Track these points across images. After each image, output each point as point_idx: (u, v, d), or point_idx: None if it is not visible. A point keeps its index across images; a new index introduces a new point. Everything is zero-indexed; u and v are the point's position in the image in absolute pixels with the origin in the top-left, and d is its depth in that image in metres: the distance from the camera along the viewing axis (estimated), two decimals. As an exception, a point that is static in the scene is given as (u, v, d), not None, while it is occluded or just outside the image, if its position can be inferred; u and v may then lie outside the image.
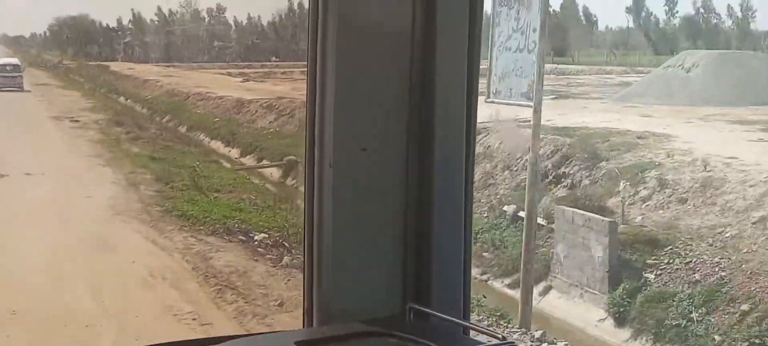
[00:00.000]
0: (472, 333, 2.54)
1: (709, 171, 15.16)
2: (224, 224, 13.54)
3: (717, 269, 12.98)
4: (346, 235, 2.56)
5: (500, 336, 2.28)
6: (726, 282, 12.68)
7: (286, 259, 11.44)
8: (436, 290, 2.58)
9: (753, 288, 12.40)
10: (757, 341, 11.48)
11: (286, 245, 12.86)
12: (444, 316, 2.48)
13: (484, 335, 2.43)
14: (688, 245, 13.69)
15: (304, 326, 2.63)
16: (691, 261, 13.31)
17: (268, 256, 11.92)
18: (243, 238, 12.76)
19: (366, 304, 2.55)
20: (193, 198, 15.14)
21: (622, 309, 13.05)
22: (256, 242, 12.70)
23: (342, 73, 2.51)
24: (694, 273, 13.07)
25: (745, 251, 13.21)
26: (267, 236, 13.07)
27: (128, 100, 24.63)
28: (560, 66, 30.94)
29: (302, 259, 2.67)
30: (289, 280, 10.67)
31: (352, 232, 2.56)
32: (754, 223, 13.73)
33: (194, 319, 9.26)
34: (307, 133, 2.60)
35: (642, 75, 25.36)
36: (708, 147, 16.29)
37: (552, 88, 25.53)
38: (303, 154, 2.71)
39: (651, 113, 20.10)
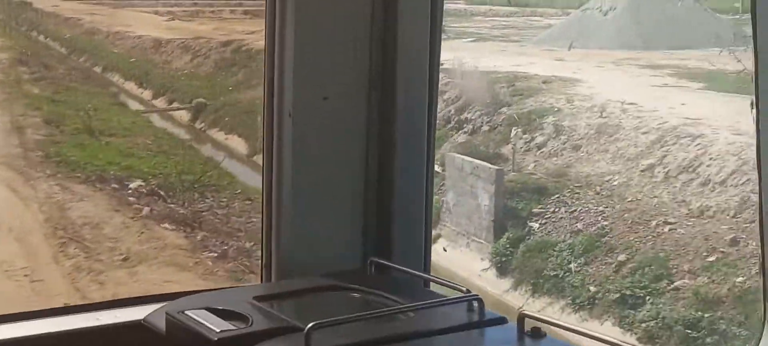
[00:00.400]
0: (434, 287, 2.49)
1: (605, 117, 14.99)
2: (104, 171, 13.17)
3: (600, 218, 12.87)
4: (306, 186, 2.48)
5: (463, 289, 2.20)
6: (607, 232, 12.59)
7: (146, 210, 11.12)
8: (397, 244, 2.54)
9: (631, 238, 12.31)
10: (628, 292, 11.41)
11: (161, 193, 12.52)
12: (405, 269, 2.43)
13: (446, 288, 2.37)
14: (575, 194, 13.56)
15: (262, 281, 2.57)
16: (576, 210, 13.18)
17: (135, 206, 11.59)
18: (116, 186, 12.40)
19: (326, 258, 2.49)
20: (82, 142, 14.73)
21: (504, 259, 12.94)
22: (129, 191, 12.36)
23: (302, 21, 2.39)
24: (578, 222, 12.96)
25: (629, 199, 13.10)
26: (144, 183, 12.73)
27: (47, 39, 23.98)
28: (495, 7, 30.54)
29: (261, 211, 2.55)
30: (142, 233, 10.38)
31: (312, 183, 2.48)
32: (642, 171, 13.61)
33: (26, 275, 8.96)
34: (265, 82, 2.50)
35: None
36: (610, 92, 16.10)
37: (475, 30, 25.20)
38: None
39: (564, 57, 19.86)
